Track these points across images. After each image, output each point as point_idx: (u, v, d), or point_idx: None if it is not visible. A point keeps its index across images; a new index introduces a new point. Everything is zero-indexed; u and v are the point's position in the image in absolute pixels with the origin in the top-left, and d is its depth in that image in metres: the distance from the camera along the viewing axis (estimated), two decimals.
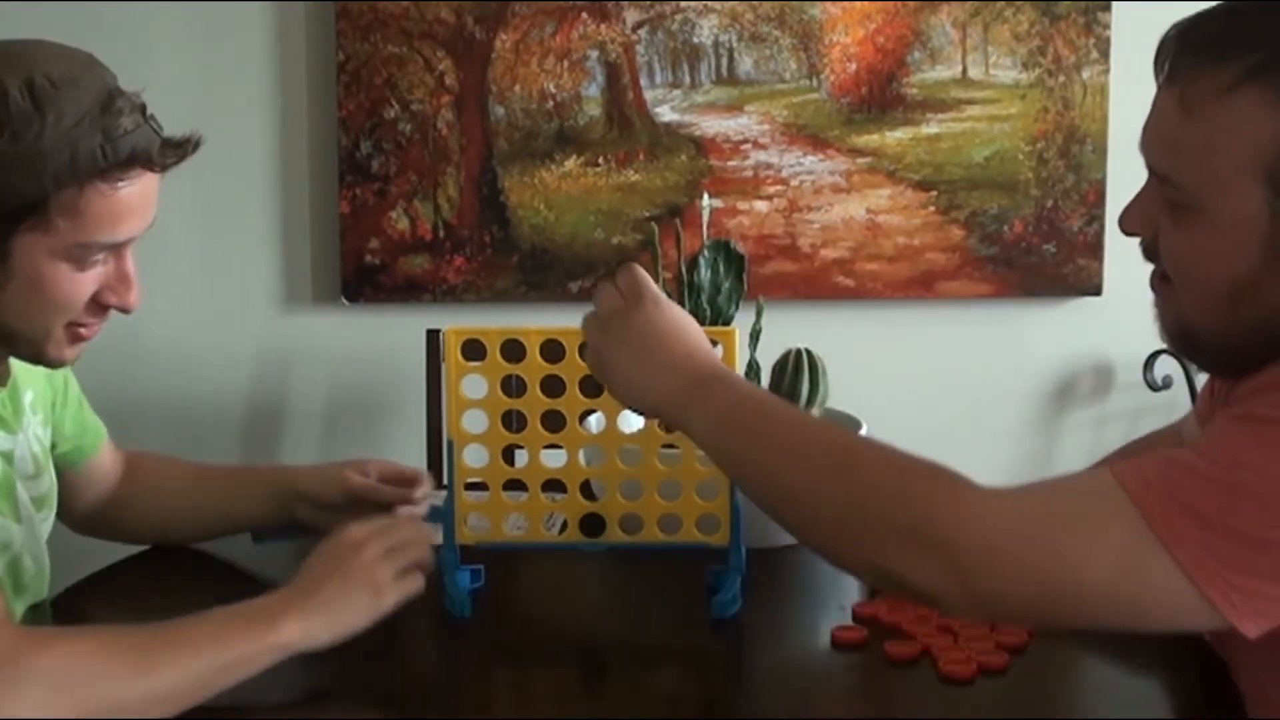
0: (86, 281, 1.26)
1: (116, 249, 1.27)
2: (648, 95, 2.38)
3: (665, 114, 2.39)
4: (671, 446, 1.36)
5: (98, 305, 1.29)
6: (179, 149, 1.26)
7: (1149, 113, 1.09)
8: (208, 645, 1.13)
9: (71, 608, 1.41)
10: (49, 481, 1.45)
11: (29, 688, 1.03)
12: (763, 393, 1.17)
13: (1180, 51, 1.05)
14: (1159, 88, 1.08)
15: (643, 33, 2.36)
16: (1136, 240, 1.13)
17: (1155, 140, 1.08)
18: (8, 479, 1.36)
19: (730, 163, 2.41)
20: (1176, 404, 2.49)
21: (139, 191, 1.24)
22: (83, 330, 1.30)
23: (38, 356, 1.31)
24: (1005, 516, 0.96)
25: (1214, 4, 1.07)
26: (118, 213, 1.23)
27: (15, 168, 1.18)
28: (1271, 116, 1.00)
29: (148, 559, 1.55)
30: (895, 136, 2.42)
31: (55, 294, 1.25)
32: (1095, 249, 2.43)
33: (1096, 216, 2.43)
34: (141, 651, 1.10)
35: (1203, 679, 1.20)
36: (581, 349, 1.21)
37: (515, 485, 1.38)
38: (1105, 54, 2.39)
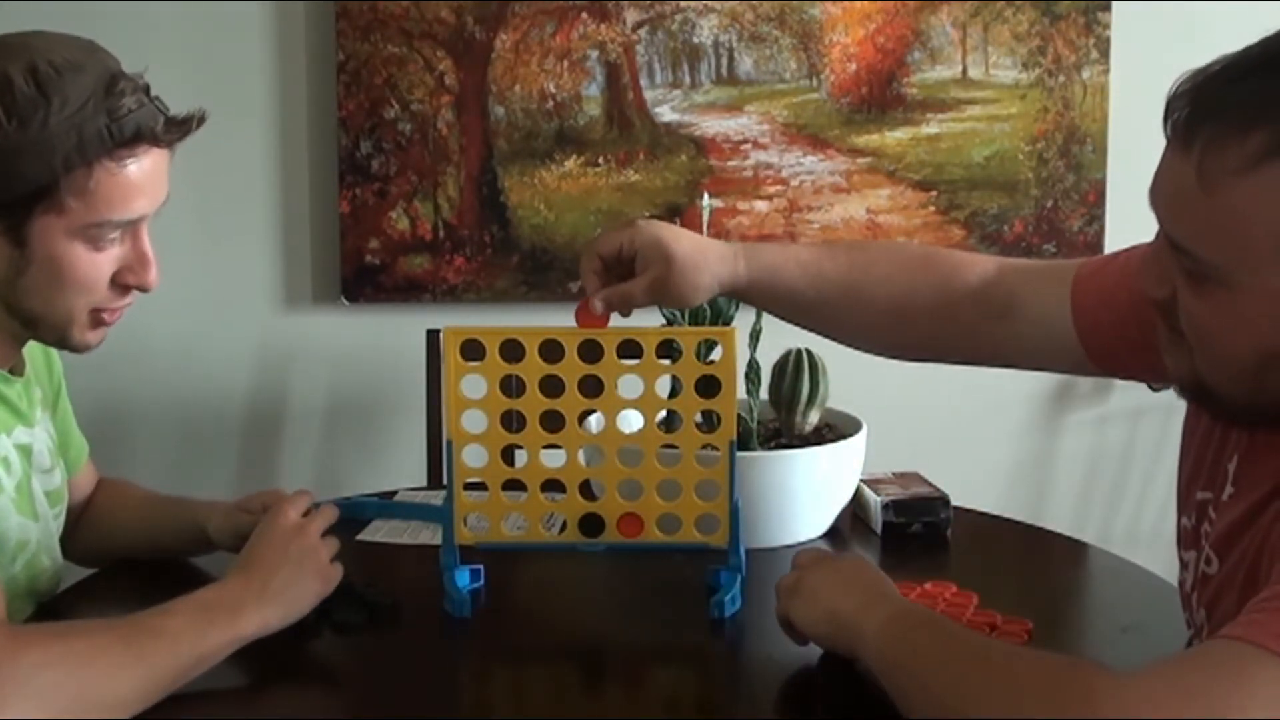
0: (104, 262, 1.28)
1: (131, 227, 1.29)
2: (648, 95, 2.38)
3: (665, 114, 2.39)
4: (671, 447, 1.36)
5: (118, 287, 1.31)
6: (183, 125, 1.28)
7: (1159, 169, 1.02)
8: (186, 639, 1.14)
9: (64, 613, 1.41)
10: (61, 476, 1.46)
11: (21, 688, 1.03)
12: (945, 617, 1.17)
13: (1195, 116, 0.97)
14: (1170, 145, 1.00)
15: (643, 33, 2.36)
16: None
17: (1171, 209, 1.01)
18: (25, 474, 1.37)
19: (730, 163, 2.41)
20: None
21: (148, 169, 1.27)
22: (105, 315, 1.32)
23: (62, 340, 1.33)
24: (1148, 702, 0.91)
25: (1228, 58, 0.98)
26: (128, 190, 1.25)
27: (24, 153, 1.20)
28: None
29: (133, 565, 1.54)
30: (895, 136, 2.42)
31: (74, 276, 1.27)
32: (1095, 249, 2.43)
33: (1096, 216, 2.43)
34: (128, 647, 1.10)
35: None
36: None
37: (514, 485, 1.38)
38: (1105, 54, 2.39)
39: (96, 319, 1.32)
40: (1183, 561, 1.19)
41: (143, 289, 1.33)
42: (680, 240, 1.33)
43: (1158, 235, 1.04)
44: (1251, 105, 0.95)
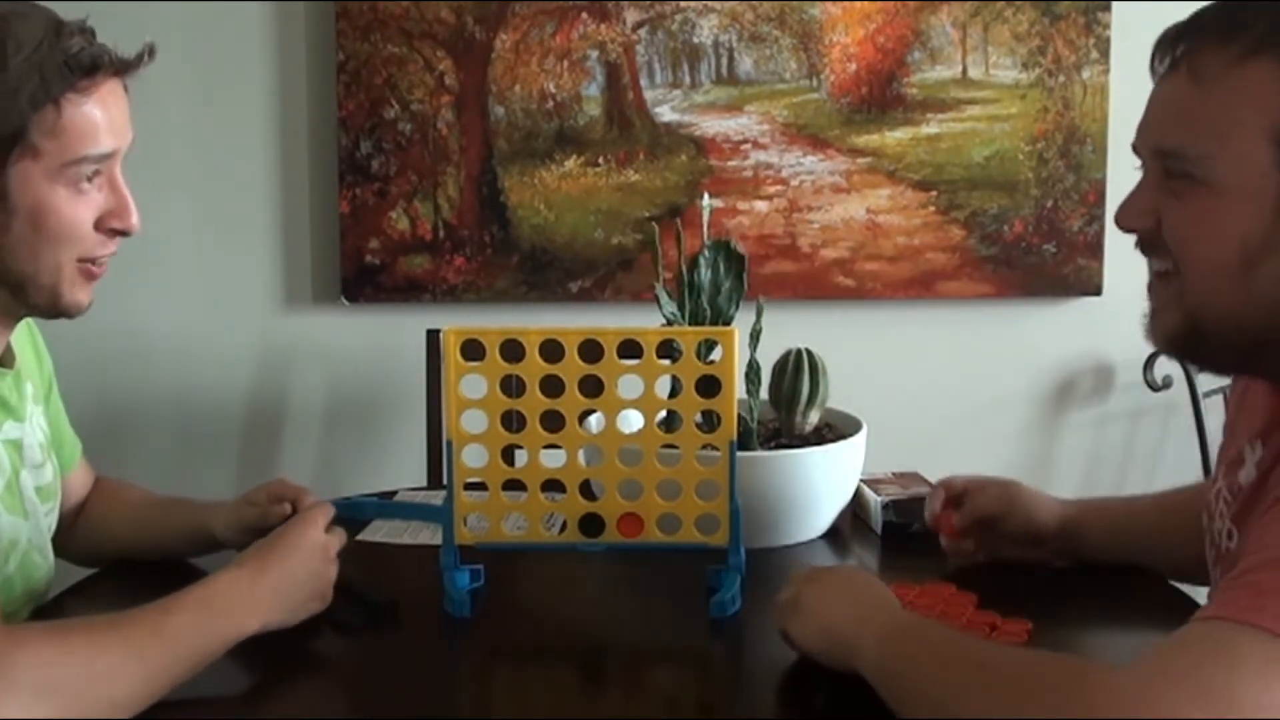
0: (85, 207, 1.29)
1: (105, 166, 1.29)
2: (648, 95, 2.38)
3: (665, 114, 2.39)
4: (672, 447, 1.36)
5: (102, 233, 1.31)
6: (137, 57, 1.30)
7: (1148, 105, 1.11)
8: (187, 637, 1.15)
9: (62, 613, 1.41)
10: (52, 471, 1.45)
11: (20, 687, 1.03)
12: (941, 624, 1.18)
13: (1181, 37, 1.08)
14: (1160, 80, 1.10)
15: (643, 33, 2.36)
16: (1133, 238, 1.14)
17: (1161, 121, 1.10)
18: (15, 470, 1.36)
19: (730, 163, 2.41)
20: (1176, 404, 2.48)
21: (110, 102, 1.28)
22: (94, 267, 1.32)
23: (54, 302, 1.32)
24: (1142, 691, 0.93)
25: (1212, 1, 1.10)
26: (95, 123, 1.26)
27: None
28: None
29: (132, 565, 1.54)
30: (895, 136, 2.42)
31: (58, 221, 1.27)
32: (1095, 249, 2.43)
33: (1096, 216, 2.43)
34: (129, 646, 1.10)
35: None
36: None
37: (515, 485, 1.38)
38: (1105, 54, 2.39)
39: (85, 272, 1.31)
40: (1211, 539, 1.25)
41: (126, 232, 1.32)
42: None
43: (1139, 184, 1.13)
44: (1235, 16, 1.06)
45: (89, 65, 1.25)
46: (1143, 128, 1.12)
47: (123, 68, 1.29)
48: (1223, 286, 1.07)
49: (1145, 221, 1.11)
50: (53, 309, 1.32)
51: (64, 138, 1.25)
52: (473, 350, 1.35)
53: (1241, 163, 1.04)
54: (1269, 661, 0.92)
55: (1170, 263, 1.11)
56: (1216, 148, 1.05)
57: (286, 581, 1.26)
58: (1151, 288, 1.14)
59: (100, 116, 1.27)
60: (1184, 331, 1.11)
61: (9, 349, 1.39)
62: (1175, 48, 1.09)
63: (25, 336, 1.45)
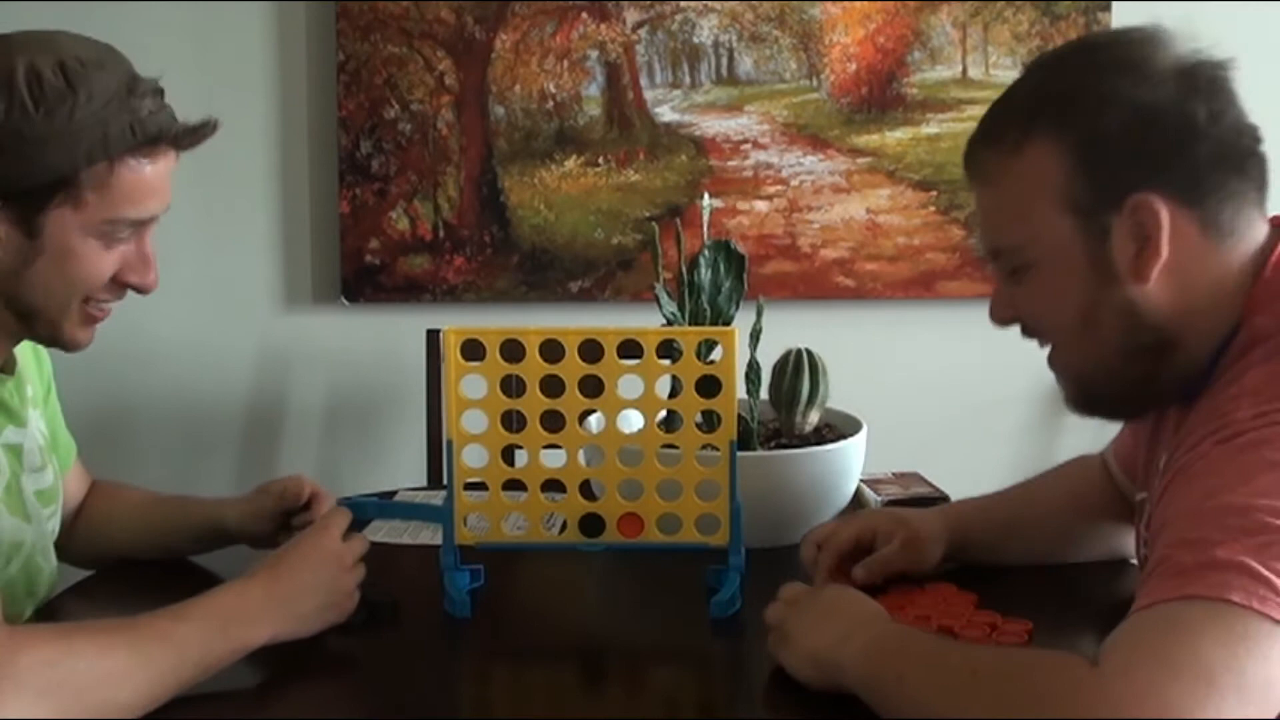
0: (109, 261, 1.30)
1: (140, 228, 1.31)
2: (648, 95, 2.38)
3: (665, 114, 2.39)
4: (672, 447, 1.36)
5: (117, 285, 1.32)
6: (198, 131, 1.31)
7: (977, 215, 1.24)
8: (194, 646, 1.14)
9: (63, 614, 1.41)
10: (53, 474, 1.46)
11: (20, 687, 1.03)
12: (922, 633, 1.19)
13: (970, 154, 1.21)
14: (972, 193, 1.22)
15: (643, 33, 2.36)
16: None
17: (982, 228, 1.22)
18: (15, 475, 1.37)
19: (730, 163, 2.41)
20: None
21: (162, 171, 1.30)
22: (98, 313, 1.33)
23: (54, 337, 1.33)
24: (1129, 683, 0.94)
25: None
26: (145, 190, 1.28)
27: (49, 143, 1.22)
28: (1054, 153, 1.13)
29: (133, 565, 1.54)
30: (895, 136, 2.42)
31: (81, 270, 1.28)
32: None
33: None
34: (134, 651, 1.10)
35: None
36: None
37: (515, 485, 1.38)
38: None
39: (87, 316, 1.32)
40: (1138, 545, 1.31)
41: (143, 290, 1.34)
42: (902, 510, 1.49)
43: (996, 283, 1.23)
44: (995, 119, 1.21)
45: (154, 134, 1.26)
46: (978, 239, 1.27)
47: (184, 143, 1.30)
48: (1082, 347, 1.17)
49: (1008, 314, 1.22)
50: (52, 342, 1.35)
51: (110, 196, 1.26)
52: (473, 350, 1.35)
53: (1045, 239, 1.14)
54: (1220, 624, 0.93)
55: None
56: (1023, 235, 1.16)
57: (298, 592, 1.25)
58: (1049, 363, 1.23)
59: (150, 183, 1.28)
60: (1081, 395, 1.21)
61: (10, 355, 1.39)
62: (970, 164, 1.21)
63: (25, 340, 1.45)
